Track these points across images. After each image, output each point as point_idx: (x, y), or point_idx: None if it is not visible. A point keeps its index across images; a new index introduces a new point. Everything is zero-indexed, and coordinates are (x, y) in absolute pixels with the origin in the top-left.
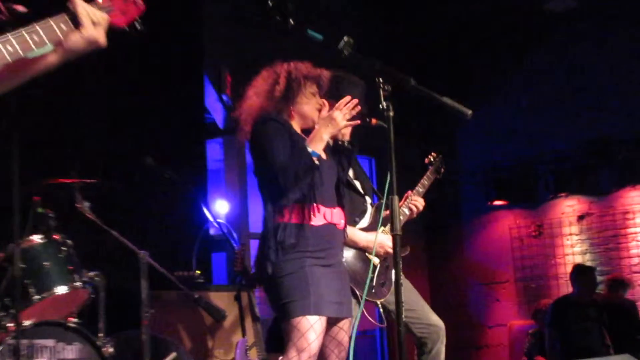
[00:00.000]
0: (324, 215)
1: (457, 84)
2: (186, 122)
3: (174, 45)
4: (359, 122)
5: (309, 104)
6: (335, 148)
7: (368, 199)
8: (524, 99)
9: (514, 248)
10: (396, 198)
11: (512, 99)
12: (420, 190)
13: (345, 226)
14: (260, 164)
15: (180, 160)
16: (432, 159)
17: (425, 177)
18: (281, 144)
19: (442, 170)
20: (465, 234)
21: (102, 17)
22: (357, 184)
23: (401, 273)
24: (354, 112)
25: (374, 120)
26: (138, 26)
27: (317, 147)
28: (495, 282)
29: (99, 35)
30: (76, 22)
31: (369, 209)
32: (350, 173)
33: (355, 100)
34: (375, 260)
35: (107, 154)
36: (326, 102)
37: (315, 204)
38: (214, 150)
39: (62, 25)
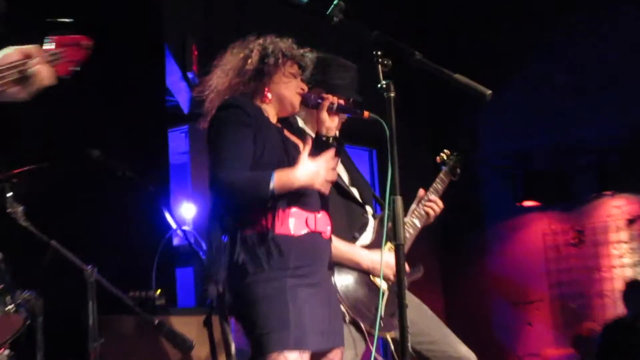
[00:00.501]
0: (307, 221)
1: (474, 57)
2: (143, 106)
3: (125, 10)
4: (346, 115)
5: (287, 86)
6: (318, 143)
7: (369, 210)
8: (560, 73)
9: (548, 259)
10: (399, 199)
11: (545, 74)
12: (434, 194)
13: (330, 235)
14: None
15: (135, 153)
16: (445, 158)
17: (437, 180)
18: (236, 145)
19: (459, 170)
20: (488, 241)
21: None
22: (355, 191)
23: (412, 296)
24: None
25: (366, 113)
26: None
27: (281, 188)
28: (525, 302)
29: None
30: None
31: (371, 222)
32: (345, 178)
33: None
34: (383, 285)
35: (45, 145)
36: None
37: (295, 208)
38: (177, 141)
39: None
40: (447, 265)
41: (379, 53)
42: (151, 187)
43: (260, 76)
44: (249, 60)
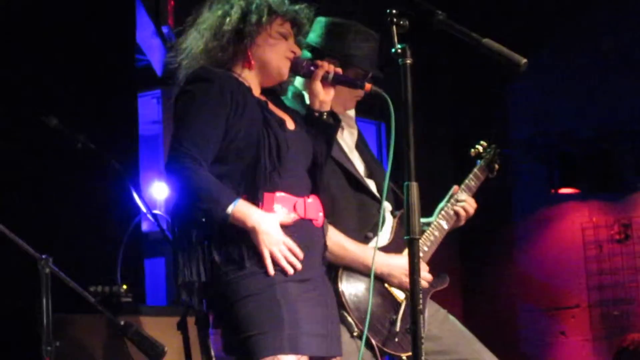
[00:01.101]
0: (295, 207)
1: (506, 21)
2: (108, 66)
3: None
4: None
5: (274, 49)
6: (310, 119)
7: (387, 206)
8: (605, 40)
9: (588, 258)
10: (414, 185)
11: (587, 42)
12: (466, 193)
13: (323, 222)
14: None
15: (99, 121)
16: (480, 150)
17: (471, 176)
18: (204, 126)
19: (497, 166)
20: (517, 236)
21: None
22: (371, 183)
23: (437, 306)
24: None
25: (367, 86)
26: None
27: (237, 219)
28: (560, 308)
29: None
30: None
31: (389, 220)
32: (361, 168)
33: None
34: (400, 295)
35: None
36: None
37: (280, 192)
38: (148, 108)
39: None
40: (467, 263)
41: (394, 12)
42: (117, 163)
43: (240, 38)
44: (228, 19)
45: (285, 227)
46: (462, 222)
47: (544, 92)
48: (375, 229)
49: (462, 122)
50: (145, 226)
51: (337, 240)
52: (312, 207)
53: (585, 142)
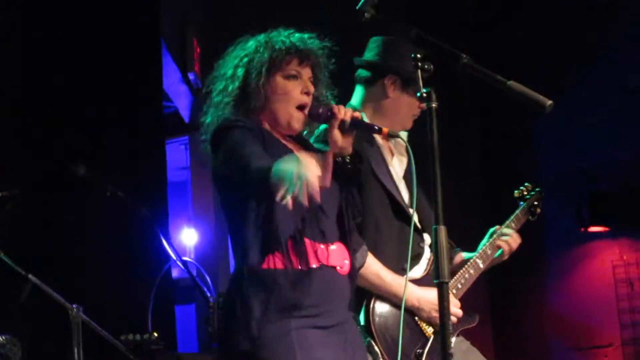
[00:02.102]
0: (317, 253)
1: (531, 56)
2: (135, 113)
3: (114, 2)
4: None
5: (281, 103)
6: (334, 165)
7: (427, 239)
8: (633, 76)
9: (619, 296)
10: (442, 229)
11: (615, 78)
12: (505, 237)
13: (350, 270)
14: (225, 188)
15: (128, 169)
16: (525, 193)
17: (513, 218)
18: (254, 145)
19: (539, 210)
20: (547, 274)
21: None
22: (414, 214)
23: (461, 338)
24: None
25: (384, 130)
26: None
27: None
28: (593, 347)
29: None
30: None
31: (427, 253)
32: (406, 197)
33: None
34: (429, 329)
35: (22, 160)
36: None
37: (304, 240)
38: (176, 154)
39: None
40: (498, 302)
41: (419, 56)
42: (146, 210)
43: (247, 99)
44: (233, 79)
45: (303, 273)
46: (506, 257)
47: (571, 130)
48: (414, 261)
49: (490, 161)
50: (175, 273)
51: (376, 270)
52: (336, 255)
53: (613, 180)
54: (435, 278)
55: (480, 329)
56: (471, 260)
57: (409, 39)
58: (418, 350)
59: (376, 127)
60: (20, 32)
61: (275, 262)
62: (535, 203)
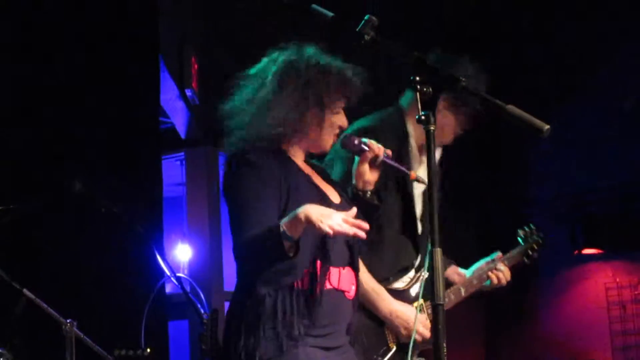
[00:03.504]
0: (329, 277)
1: (527, 81)
2: (132, 129)
3: (113, 15)
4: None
5: (328, 129)
6: (354, 197)
7: (418, 259)
8: (628, 97)
9: (612, 318)
10: (438, 251)
11: (608, 101)
12: (498, 271)
13: (356, 294)
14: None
15: (123, 184)
16: (528, 233)
17: (508, 255)
18: (257, 209)
19: (536, 255)
20: (541, 296)
21: None
22: (421, 229)
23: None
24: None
25: (412, 174)
26: None
27: (289, 225)
28: None
29: None
30: None
31: (412, 272)
32: (418, 212)
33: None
34: (393, 342)
35: (18, 175)
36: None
37: (317, 263)
38: (172, 170)
39: None
40: (491, 323)
41: (418, 79)
42: (140, 227)
43: (282, 124)
44: (275, 92)
45: (315, 296)
46: (489, 289)
47: (564, 153)
48: (397, 275)
49: (483, 184)
50: (168, 289)
51: (373, 288)
52: (346, 279)
53: (607, 202)
54: (431, 300)
55: (473, 351)
56: (454, 287)
57: (405, 62)
58: (378, 358)
59: (405, 169)
60: (17, 51)
61: (288, 282)
62: (534, 246)
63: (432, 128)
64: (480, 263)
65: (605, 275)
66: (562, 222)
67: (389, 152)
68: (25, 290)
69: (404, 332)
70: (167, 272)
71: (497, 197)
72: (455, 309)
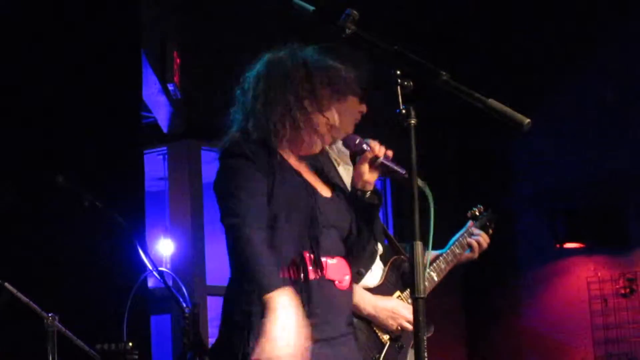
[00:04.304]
0: (316, 266)
1: (508, 76)
2: (114, 123)
3: (95, 10)
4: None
5: (320, 127)
6: (353, 196)
7: (379, 247)
8: (609, 90)
9: (593, 312)
10: (419, 245)
11: (590, 96)
12: (458, 251)
13: (350, 285)
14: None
15: (105, 178)
16: (477, 214)
17: (464, 234)
18: (253, 199)
19: (491, 231)
20: (522, 291)
21: None
22: None
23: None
24: None
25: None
26: None
27: (267, 310)
28: None
29: None
30: None
31: (378, 261)
32: None
33: None
34: (384, 336)
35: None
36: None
37: (304, 253)
38: (154, 164)
39: None
40: (473, 319)
41: (398, 72)
42: (123, 220)
43: (297, 115)
44: (293, 91)
45: (302, 285)
46: (476, 256)
47: (548, 147)
48: (367, 265)
49: (464, 179)
50: (151, 283)
51: None
52: (335, 269)
53: (589, 197)
54: (411, 293)
55: (455, 345)
56: (434, 265)
57: (385, 55)
58: (375, 356)
59: (403, 172)
60: None
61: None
62: (487, 224)
63: (412, 122)
64: (456, 236)
65: (587, 269)
66: (544, 216)
67: (390, 153)
68: (6, 284)
69: (392, 322)
70: (150, 267)
71: (479, 192)
72: (436, 303)
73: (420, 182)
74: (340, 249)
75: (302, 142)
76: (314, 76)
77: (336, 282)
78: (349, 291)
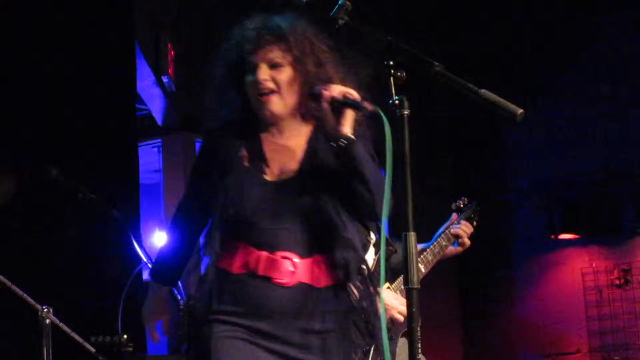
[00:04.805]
0: (249, 261)
1: (506, 68)
2: (108, 116)
3: (89, 3)
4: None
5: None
6: (320, 164)
7: (372, 236)
8: (604, 86)
9: (588, 303)
10: (413, 236)
11: (586, 88)
12: (444, 243)
13: (297, 283)
14: None
15: (100, 170)
16: (461, 205)
17: (445, 230)
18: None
19: (476, 222)
20: (516, 281)
21: None
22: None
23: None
24: None
25: (368, 105)
26: None
27: None
28: (561, 354)
29: None
30: None
31: (371, 251)
32: None
33: None
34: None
35: None
36: None
37: (242, 243)
38: (149, 157)
39: None
40: (468, 309)
41: (392, 63)
42: (117, 213)
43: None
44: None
45: (234, 278)
46: (461, 249)
47: (542, 139)
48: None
49: (460, 170)
50: (146, 275)
51: None
52: (273, 265)
53: (584, 188)
54: (404, 284)
55: (449, 336)
56: (421, 257)
57: (378, 46)
58: (366, 347)
59: (367, 106)
60: None
61: (215, 262)
62: (472, 215)
63: (405, 112)
64: (441, 228)
65: (581, 261)
66: (539, 207)
67: (347, 92)
68: (0, 277)
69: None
70: (144, 259)
71: (474, 184)
72: (431, 294)
73: (372, 106)
74: (283, 243)
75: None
76: (229, 43)
77: (273, 279)
78: (295, 289)
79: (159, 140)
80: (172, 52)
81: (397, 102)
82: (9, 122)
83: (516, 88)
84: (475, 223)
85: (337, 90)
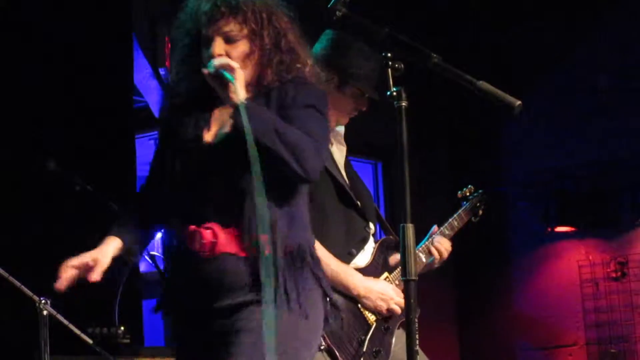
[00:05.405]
0: (180, 234)
1: (501, 60)
2: (106, 108)
3: None
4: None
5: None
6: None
7: (371, 227)
8: (601, 78)
9: (584, 296)
10: (410, 227)
11: (583, 80)
12: (447, 232)
13: (214, 253)
14: None
15: (97, 163)
16: (467, 194)
17: (455, 216)
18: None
19: (481, 212)
20: (513, 274)
21: None
22: (357, 201)
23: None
24: None
25: (205, 71)
26: None
27: None
28: (557, 346)
29: None
30: None
31: (371, 242)
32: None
33: None
34: (371, 317)
35: None
36: None
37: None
38: (146, 149)
39: None
40: (463, 302)
41: (389, 55)
42: (113, 205)
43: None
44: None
45: (169, 254)
46: (436, 265)
47: (539, 130)
48: (359, 245)
49: (456, 162)
50: (142, 267)
51: (340, 268)
52: (198, 236)
53: (581, 180)
54: (402, 276)
55: (446, 329)
56: (422, 247)
57: (376, 38)
58: (361, 337)
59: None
60: None
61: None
62: (478, 204)
63: (403, 104)
64: (422, 243)
65: (578, 253)
66: (535, 199)
67: (225, 63)
68: None
69: (382, 304)
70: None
71: (470, 175)
72: (426, 287)
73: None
74: (219, 209)
75: None
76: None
77: (201, 253)
78: (217, 260)
79: (156, 132)
80: (169, 44)
81: (395, 93)
82: (6, 115)
83: (511, 80)
84: (480, 212)
85: (216, 62)
